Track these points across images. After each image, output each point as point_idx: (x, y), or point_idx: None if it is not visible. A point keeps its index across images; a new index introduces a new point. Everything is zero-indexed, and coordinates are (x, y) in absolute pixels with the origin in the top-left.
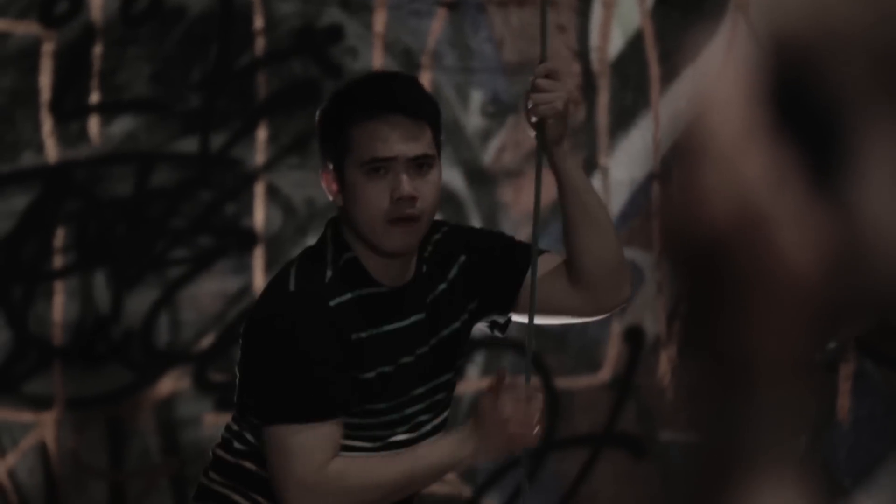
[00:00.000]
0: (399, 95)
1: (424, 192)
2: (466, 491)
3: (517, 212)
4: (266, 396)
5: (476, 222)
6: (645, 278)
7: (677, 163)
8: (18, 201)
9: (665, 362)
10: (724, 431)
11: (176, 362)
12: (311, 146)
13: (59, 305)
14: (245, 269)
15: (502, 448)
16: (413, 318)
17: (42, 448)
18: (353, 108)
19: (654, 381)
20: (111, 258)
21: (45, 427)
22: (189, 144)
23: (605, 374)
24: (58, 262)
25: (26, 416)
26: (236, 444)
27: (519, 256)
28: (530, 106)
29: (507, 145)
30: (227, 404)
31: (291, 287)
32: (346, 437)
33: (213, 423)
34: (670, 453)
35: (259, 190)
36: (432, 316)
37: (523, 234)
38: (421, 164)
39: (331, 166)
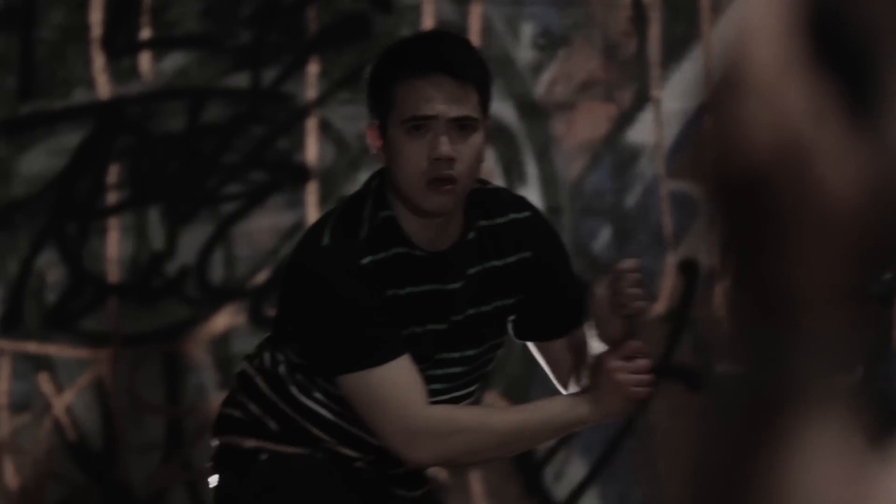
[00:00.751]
0: (446, 55)
1: (464, 154)
2: None
3: (569, 144)
4: (325, 349)
5: (528, 156)
6: (698, 211)
7: (722, 94)
8: (71, 138)
9: (720, 294)
10: (776, 364)
11: (231, 298)
12: (363, 80)
13: (114, 242)
14: (298, 204)
15: (618, 409)
16: (449, 286)
17: (99, 384)
18: (400, 66)
19: (709, 312)
20: (165, 194)
21: (101, 364)
22: (240, 80)
23: (660, 306)
24: (111, 198)
25: (83, 353)
26: (256, 360)
27: (574, 313)
28: (619, 300)
29: (558, 78)
30: None
31: (325, 241)
32: None
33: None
34: (726, 385)
35: (311, 125)
36: (472, 287)
37: (576, 166)
38: (463, 126)
39: (376, 122)
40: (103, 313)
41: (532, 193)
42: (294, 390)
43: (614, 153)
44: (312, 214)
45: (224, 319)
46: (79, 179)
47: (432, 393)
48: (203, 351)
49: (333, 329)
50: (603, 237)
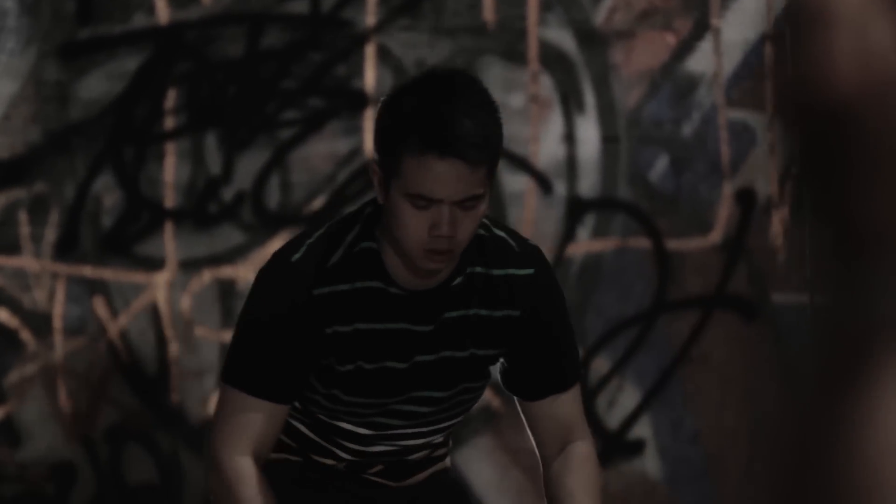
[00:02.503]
0: (462, 137)
1: (464, 226)
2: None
3: (628, 72)
4: (229, 351)
5: (586, 84)
6: (757, 140)
7: (792, 24)
8: (130, 62)
9: (777, 224)
10: (844, 296)
11: (287, 224)
12: (422, 7)
13: (171, 167)
14: (355, 130)
15: None
16: (418, 327)
17: (153, 309)
18: (413, 137)
19: (765, 242)
20: (222, 119)
21: (156, 288)
22: (299, 5)
23: (716, 235)
24: (169, 123)
25: (138, 278)
26: None
27: (564, 374)
28: None
29: (618, 6)
30: None
31: (295, 258)
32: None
33: None
34: (782, 315)
35: (369, 51)
36: (448, 331)
37: (634, 95)
38: (467, 206)
39: (379, 169)
40: (159, 238)
41: (590, 122)
42: None
43: (673, 82)
44: (369, 141)
45: (279, 245)
46: (136, 104)
47: (384, 426)
48: None
49: (242, 338)
50: (660, 166)
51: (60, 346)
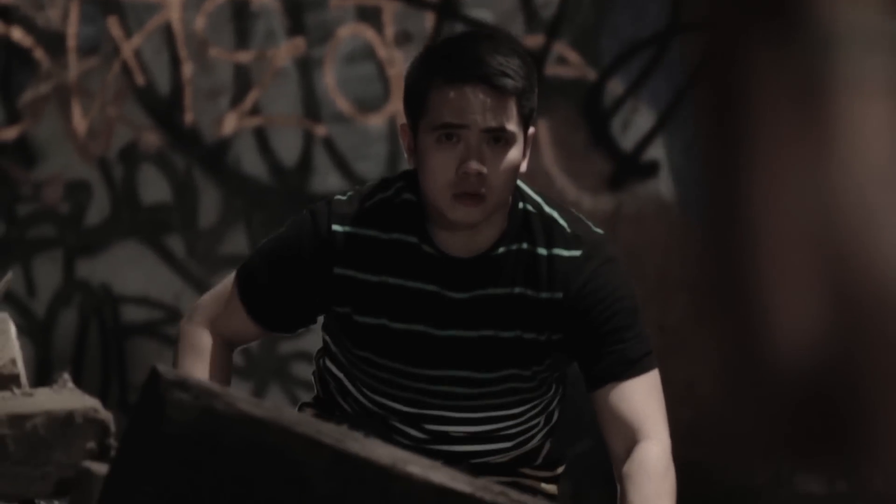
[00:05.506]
0: (485, 63)
1: (496, 169)
2: (591, 74)
3: None
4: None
5: None
6: None
7: None
8: None
9: None
10: None
11: None
12: None
13: None
14: None
15: None
16: (450, 293)
17: (167, 29)
18: (436, 71)
19: None
20: None
21: (170, 8)
22: None
23: None
24: None
25: None
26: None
27: (622, 361)
28: None
29: None
30: None
31: (338, 196)
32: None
33: None
34: None
35: None
36: (490, 309)
37: None
38: (497, 139)
39: (409, 125)
40: None
41: None
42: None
43: None
44: None
45: None
46: None
47: (431, 407)
48: None
49: (263, 243)
50: None
51: (74, 65)
